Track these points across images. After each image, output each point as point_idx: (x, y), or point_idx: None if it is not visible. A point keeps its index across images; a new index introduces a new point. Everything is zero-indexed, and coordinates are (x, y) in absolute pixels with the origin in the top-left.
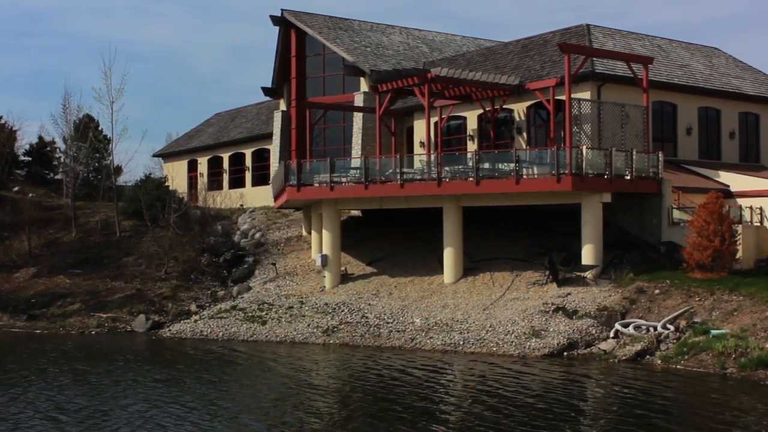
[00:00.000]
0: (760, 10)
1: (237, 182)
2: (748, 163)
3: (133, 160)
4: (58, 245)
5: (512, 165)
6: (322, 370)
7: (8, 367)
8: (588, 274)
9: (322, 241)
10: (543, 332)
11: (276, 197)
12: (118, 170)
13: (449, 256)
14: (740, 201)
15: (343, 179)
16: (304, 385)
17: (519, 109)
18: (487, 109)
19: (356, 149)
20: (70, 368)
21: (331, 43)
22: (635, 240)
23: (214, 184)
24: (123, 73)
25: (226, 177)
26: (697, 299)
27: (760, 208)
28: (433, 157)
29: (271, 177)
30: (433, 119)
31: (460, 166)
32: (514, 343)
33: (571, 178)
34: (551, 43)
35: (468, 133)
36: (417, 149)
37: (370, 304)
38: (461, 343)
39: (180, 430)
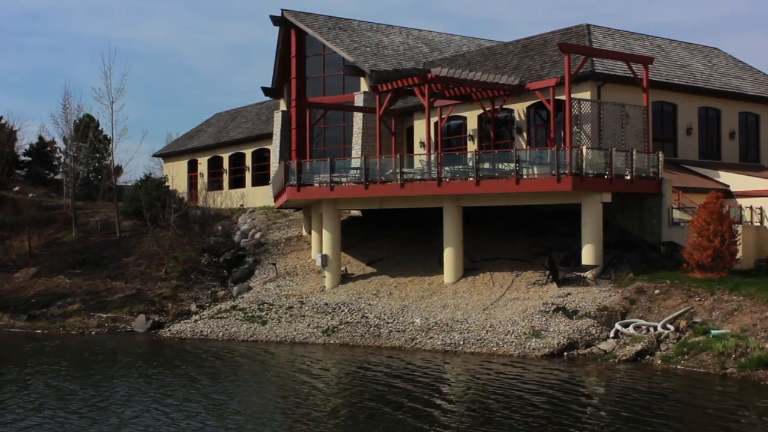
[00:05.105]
0: (760, 10)
1: (237, 182)
2: (748, 163)
3: (133, 160)
4: (58, 245)
5: (512, 165)
6: (322, 370)
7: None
8: (588, 274)
9: (322, 241)
10: (543, 332)
11: (276, 197)
12: (118, 170)
13: (449, 256)
14: (740, 201)
15: (343, 179)
16: (304, 385)
17: (519, 109)
18: (487, 109)
19: (356, 149)
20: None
21: (331, 43)
22: (635, 240)
23: (215, 184)
24: (123, 73)
25: (226, 177)
26: (697, 299)
27: (760, 208)
28: (433, 157)
29: (271, 177)
30: (433, 119)
31: (460, 166)
32: (514, 343)
33: (571, 178)
34: (551, 43)
35: (468, 133)
36: (417, 149)
37: (370, 304)
38: (461, 343)
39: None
